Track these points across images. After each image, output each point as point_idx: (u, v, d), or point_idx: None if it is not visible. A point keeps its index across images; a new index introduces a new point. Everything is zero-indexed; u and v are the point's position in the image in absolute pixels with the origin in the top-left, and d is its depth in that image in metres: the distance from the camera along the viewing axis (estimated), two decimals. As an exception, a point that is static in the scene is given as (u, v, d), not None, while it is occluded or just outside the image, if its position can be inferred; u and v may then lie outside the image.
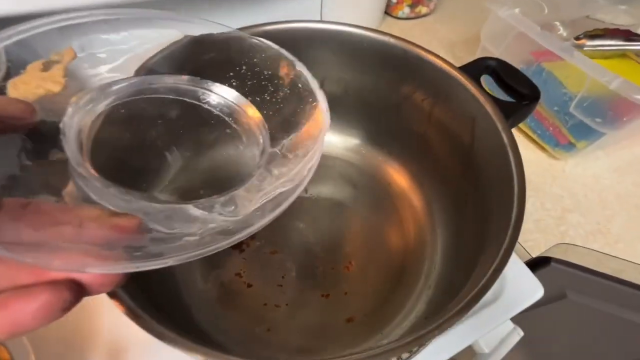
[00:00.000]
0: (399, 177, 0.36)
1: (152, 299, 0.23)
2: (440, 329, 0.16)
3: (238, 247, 0.34)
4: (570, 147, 0.41)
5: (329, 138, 0.38)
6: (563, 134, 0.41)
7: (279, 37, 0.31)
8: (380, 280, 0.32)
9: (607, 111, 0.35)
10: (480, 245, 0.23)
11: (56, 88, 0.31)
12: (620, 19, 0.59)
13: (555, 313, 0.49)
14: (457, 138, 0.28)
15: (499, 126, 0.23)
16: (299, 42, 0.32)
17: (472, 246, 0.26)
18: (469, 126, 0.26)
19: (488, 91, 0.25)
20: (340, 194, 0.37)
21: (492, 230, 0.22)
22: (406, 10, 0.60)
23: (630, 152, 0.46)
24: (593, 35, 0.49)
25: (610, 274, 0.38)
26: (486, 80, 0.28)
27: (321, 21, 0.32)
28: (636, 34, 0.48)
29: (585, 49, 0.46)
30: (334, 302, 0.31)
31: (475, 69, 0.27)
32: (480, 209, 0.25)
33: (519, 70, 0.27)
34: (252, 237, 0.34)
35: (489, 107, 0.24)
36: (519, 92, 0.26)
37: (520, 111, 0.24)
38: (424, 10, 0.61)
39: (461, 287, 0.25)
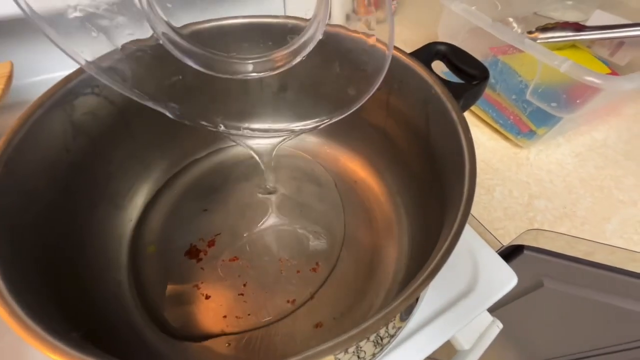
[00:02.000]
0: (362, 171, 0.35)
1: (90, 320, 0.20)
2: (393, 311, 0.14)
3: (195, 255, 0.31)
4: (531, 134, 0.42)
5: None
6: (523, 122, 0.41)
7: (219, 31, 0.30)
8: (350, 279, 0.30)
9: (561, 95, 0.36)
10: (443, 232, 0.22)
11: None
12: (568, 15, 0.62)
13: (534, 303, 0.48)
14: (415, 126, 0.28)
15: (449, 106, 0.22)
16: (242, 35, 0.31)
17: (437, 235, 0.24)
18: (424, 112, 0.25)
19: (440, 75, 0.25)
20: (304, 193, 0.36)
21: (452, 214, 0.21)
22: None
23: (589, 137, 0.47)
24: (545, 28, 0.51)
25: (582, 257, 0.37)
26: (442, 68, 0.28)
27: (269, 15, 0.31)
28: (584, 26, 0.50)
29: (538, 41, 0.47)
30: (301, 308, 0.29)
31: (425, 54, 0.27)
32: (441, 197, 0.24)
33: (467, 52, 0.26)
34: (210, 244, 0.32)
35: (438, 89, 0.23)
36: (469, 73, 0.25)
37: (470, 91, 0.24)
38: (381, 15, 0.62)
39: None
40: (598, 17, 0.55)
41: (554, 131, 0.43)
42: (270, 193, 0.35)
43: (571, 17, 0.60)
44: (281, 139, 0.27)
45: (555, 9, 0.62)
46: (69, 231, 0.24)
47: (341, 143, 0.37)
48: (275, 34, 0.29)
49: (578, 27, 0.50)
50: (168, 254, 0.31)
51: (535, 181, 0.41)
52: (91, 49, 0.18)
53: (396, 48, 0.27)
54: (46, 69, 0.45)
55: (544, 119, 0.40)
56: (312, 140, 0.38)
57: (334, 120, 0.24)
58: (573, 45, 0.52)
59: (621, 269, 0.37)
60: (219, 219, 0.34)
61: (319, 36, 0.23)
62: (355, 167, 0.36)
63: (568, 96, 0.35)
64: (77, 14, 0.17)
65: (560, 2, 0.62)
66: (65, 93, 0.23)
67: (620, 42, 0.53)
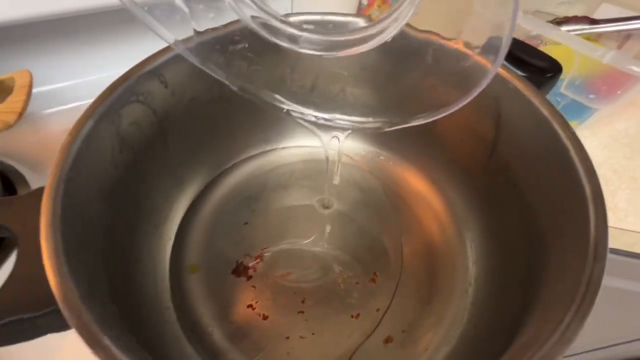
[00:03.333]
0: (411, 177, 0.34)
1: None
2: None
3: (244, 273, 0.29)
4: (563, 127, 0.41)
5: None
6: (556, 116, 0.41)
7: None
8: (412, 289, 0.28)
9: (601, 87, 0.35)
10: (532, 249, 0.20)
11: (11, 119, 0.25)
12: (573, 10, 0.63)
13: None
14: (476, 126, 0.26)
15: (536, 101, 0.21)
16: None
17: (516, 248, 0.23)
18: (493, 111, 0.24)
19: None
20: (349, 201, 0.34)
21: (545, 226, 0.19)
22: (376, 13, 0.60)
23: (612, 128, 0.47)
24: (559, 22, 0.52)
25: (624, 249, 0.37)
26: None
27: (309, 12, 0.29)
28: (597, 20, 0.51)
29: (556, 34, 0.47)
30: (367, 322, 0.27)
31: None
32: (516, 205, 0.23)
33: (532, 45, 0.25)
34: (258, 259, 0.30)
35: (517, 83, 0.22)
36: (538, 66, 0.24)
37: (547, 84, 0.23)
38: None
39: (509, 287, 0.23)
40: (604, 11, 0.56)
41: (582, 124, 0.43)
42: (326, 207, 0.32)
43: (577, 11, 0.61)
44: (346, 132, 0.25)
45: (562, 3, 0.62)
46: (116, 257, 0.22)
47: (394, 151, 0.35)
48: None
49: (592, 21, 0.51)
50: (213, 274, 0.29)
51: (570, 174, 0.41)
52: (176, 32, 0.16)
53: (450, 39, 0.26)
54: (62, 77, 0.43)
55: (578, 113, 0.40)
56: (364, 148, 0.36)
57: (402, 126, 0.22)
58: (587, 38, 0.53)
59: (662, 258, 0.38)
60: (263, 232, 0.32)
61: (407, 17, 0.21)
62: (402, 171, 0.34)
63: (609, 87, 0.35)
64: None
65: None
66: (112, 102, 0.21)
67: (628, 35, 0.54)
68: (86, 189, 0.18)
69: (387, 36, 0.22)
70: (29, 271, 0.14)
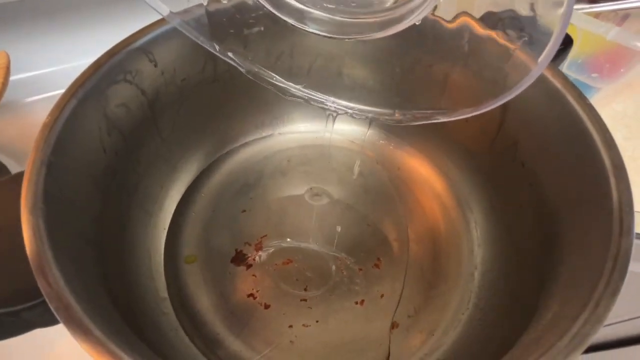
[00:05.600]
0: (413, 161, 0.33)
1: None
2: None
3: (243, 262, 0.28)
4: (564, 108, 0.41)
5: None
6: (557, 96, 0.40)
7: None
8: (416, 274, 0.28)
9: (604, 64, 0.35)
10: (544, 227, 0.19)
11: None
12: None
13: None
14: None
15: (547, 74, 0.20)
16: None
17: (526, 228, 0.22)
18: (500, 84, 0.23)
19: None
20: (350, 187, 0.33)
21: (559, 202, 0.19)
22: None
23: (610, 109, 0.47)
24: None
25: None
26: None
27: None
28: (595, -2, 0.50)
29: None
30: (372, 309, 0.26)
31: (489, 22, 0.25)
32: (525, 182, 0.22)
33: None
34: (257, 247, 0.29)
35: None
36: (546, 40, 0.23)
37: (558, 57, 0.22)
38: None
39: (519, 268, 0.22)
40: (602, -10, 0.55)
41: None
42: (325, 194, 0.31)
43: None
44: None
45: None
46: (108, 246, 0.21)
47: (395, 134, 0.34)
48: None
49: (591, 0, 0.50)
50: (212, 263, 0.28)
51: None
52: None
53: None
54: (43, 62, 0.40)
55: (579, 92, 0.39)
56: (365, 132, 0.35)
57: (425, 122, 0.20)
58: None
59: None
60: (262, 220, 0.30)
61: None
62: (403, 154, 0.34)
63: (612, 65, 0.34)
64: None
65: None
66: (97, 80, 0.19)
67: (626, 14, 0.53)
68: (72, 173, 0.17)
69: (417, 18, 0.20)
70: (11, 262, 0.13)
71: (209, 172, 0.33)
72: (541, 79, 0.20)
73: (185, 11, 0.16)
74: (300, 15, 0.19)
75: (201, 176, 0.32)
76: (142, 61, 0.22)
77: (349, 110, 0.22)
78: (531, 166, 0.22)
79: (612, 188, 0.15)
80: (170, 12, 0.16)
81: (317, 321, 0.25)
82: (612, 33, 0.32)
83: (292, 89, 0.21)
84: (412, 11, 0.19)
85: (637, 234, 0.38)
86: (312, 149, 0.35)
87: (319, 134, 0.35)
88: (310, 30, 0.19)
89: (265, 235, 0.29)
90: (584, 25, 0.33)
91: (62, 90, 0.43)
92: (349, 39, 0.20)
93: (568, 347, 0.11)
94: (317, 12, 0.18)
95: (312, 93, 0.22)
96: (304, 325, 0.25)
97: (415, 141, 0.33)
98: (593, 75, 0.36)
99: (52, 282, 0.11)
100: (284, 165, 0.34)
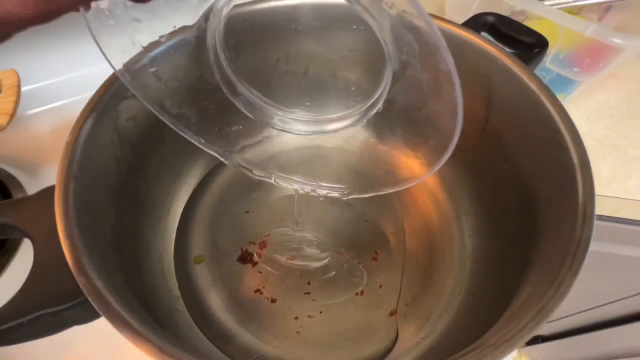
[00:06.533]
0: (406, 159, 0.34)
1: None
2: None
3: (249, 260, 0.30)
4: (548, 101, 0.43)
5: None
6: (541, 90, 0.42)
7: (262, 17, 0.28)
8: (412, 265, 0.30)
9: (584, 59, 0.36)
10: (526, 217, 0.21)
11: (3, 121, 0.24)
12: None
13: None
14: (468, 102, 0.27)
15: (524, 76, 0.22)
16: (281, 20, 0.29)
17: (511, 218, 0.24)
18: (484, 88, 0.25)
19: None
20: (346, 184, 0.35)
21: (538, 190, 0.20)
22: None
23: (594, 100, 0.49)
24: (541, -4, 0.52)
25: (607, 214, 0.39)
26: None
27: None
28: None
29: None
30: (371, 298, 0.28)
31: (473, 26, 0.26)
32: (509, 176, 0.24)
33: (518, 21, 0.26)
34: (262, 245, 0.30)
35: (507, 60, 0.23)
36: (525, 42, 0.25)
37: (535, 59, 0.24)
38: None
39: (505, 255, 0.24)
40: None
41: (567, 98, 0.45)
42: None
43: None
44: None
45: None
46: (126, 250, 0.22)
47: (387, 134, 0.35)
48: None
49: (574, -6, 0.52)
50: (219, 262, 0.30)
51: (556, 147, 0.42)
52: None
53: (441, 18, 0.26)
54: (44, 75, 0.42)
55: (563, 86, 0.41)
56: (359, 133, 0.37)
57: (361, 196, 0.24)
58: (569, 11, 0.53)
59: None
60: (265, 219, 0.32)
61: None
62: (396, 152, 0.35)
63: (591, 60, 0.36)
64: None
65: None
66: (109, 98, 0.20)
67: (608, 7, 0.55)
68: (92, 185, 0.18)
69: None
70: (49, 267, 0.14)
71: (212, 176, 0.34)
72: (518, 82, 0.22)
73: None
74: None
75: (204, 181, 0.34)
76: (147, 77, 0.23)
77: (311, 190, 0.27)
78: (513, 160, 0.23)
79: (578, 182, 0.17)
80: (122, 66, 0.17)
81: (320, 312, 0.27)
82: (590, 30, 0.33)
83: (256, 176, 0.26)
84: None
85: (603, 216, 0.40)
86: (310, 150, 0.37)
87: (315, 135, 0.37)
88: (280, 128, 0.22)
89: (269, 234, 0.31)
90: (564, 22, 0.35)
91: (64, 102, 0.44)
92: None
93: (535, 320, 0.13)
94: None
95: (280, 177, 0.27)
96: (309, 316, 0.27)
97: (407, 140, 0.35)
98: (574, 69, 0.37)
99: (92, 283, 0.13)
100: (284, 166, 0.36)
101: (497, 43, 0.24)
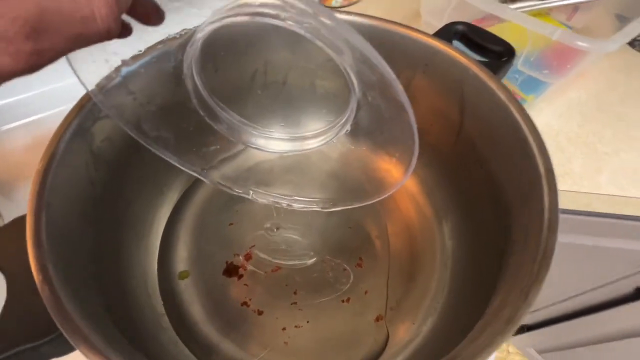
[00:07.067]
0: (386, 163, 0.35)
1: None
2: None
3: (234, 273, 0.30)
4: (522, 102, 0.44)
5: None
6: (515, 92, 0.43)
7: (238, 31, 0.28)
8: (396, 269, 0.30)
9: (552, 62, 0.38)
10: (501, 222, 0.22)
11: None
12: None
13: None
14: (444, 112, 0.28)
15: (493, 85, 0.22)
16: (257, 34, 0.29)
17: (487, 223, 0.25)
18: (457, 96, 0.25)
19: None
20: (328, 192, 0.35)
21: (510, 196, 0.21)
22: (339, 1, 0.60)
23: (565, 97, 0.51)
24: (512, -1, 0.54)
25: (581, 209, 0.41)
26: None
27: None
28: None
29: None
30: (357, 305, 0.28)
31: (445, 35, 0.27)
32: (483, 181, 0.25)
33: (488, 31, 0.27)
34: (247, 257, 0.31)
35: (476, 69, 0.23)
36: (494, 50, 0.26)
37: (503, 68, 0.25)
38: (356, -5, 0.61)
39: (483, 258, 0.25)
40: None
41: (539, 97, 0.46)
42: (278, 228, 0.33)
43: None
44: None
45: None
46: (107, 274, 0.22)
47: (367, 139, 0.36)
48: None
49: (543, -4, 0.54)
50: (204, 277, 0.30)
51: (531, 145, 0.44)
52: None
53: (416, 29, 0.27)
54: (15, 89, 0.40)
55: (534, 87, 0.42)
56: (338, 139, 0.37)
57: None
58: (538, 13, 0.55)
59: (613, 214, 0.42)
60: (249, 230, 0.32)
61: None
62: (377, 158, 0.36)
63: (559, 62, 0.37)
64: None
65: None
66: (82, 120, 0.20)
67: (576, 7, 0.57)
68: (66, 211, 0.18)
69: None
70: (24, 302, 0.14)
71: (193, 190, 0.34)
72: (488, 91, 0.23)
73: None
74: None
75: (186, 195, 0.33)
76: (121, 96, 0.23)
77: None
78: (487, 167, 0.24)
79: (544, 191, 0.17)
80: (95, 87, 0.17)
81: (307, 321, 0.28)
82: (556, 34, 0.35)
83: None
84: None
85: (576, 210, 0.42)
86: (292, 159, 0.37)
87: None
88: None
89: (253, 245, 0.31)
90: (531, 27, 0.36)
91: (39, 116, 0.42)
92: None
93: (505, 331, 0.13)
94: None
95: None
96: (296, 326, 0.27)
97: (387, 145, 0.35)
98: (544, 71, 0.39)
99: (68, 318, 0.13)
100: (267, 176, 0.36)
101: (468, 52, 0.25)
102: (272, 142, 0.29)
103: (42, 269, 0.14)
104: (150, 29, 0.20)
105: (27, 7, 0.11)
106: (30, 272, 0.14)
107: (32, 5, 0.11)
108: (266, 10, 0.18)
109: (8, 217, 0.31)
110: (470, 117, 0.26)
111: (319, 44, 0.16)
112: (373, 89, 0.17)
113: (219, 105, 0.24)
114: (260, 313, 0.28)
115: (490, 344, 0.13)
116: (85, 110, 0.20)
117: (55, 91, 0.42)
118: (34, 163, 0.44)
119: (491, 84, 0.22)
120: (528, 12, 0.52)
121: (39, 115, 0.42)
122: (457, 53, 0.24)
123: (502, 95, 0.22)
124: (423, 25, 0.49)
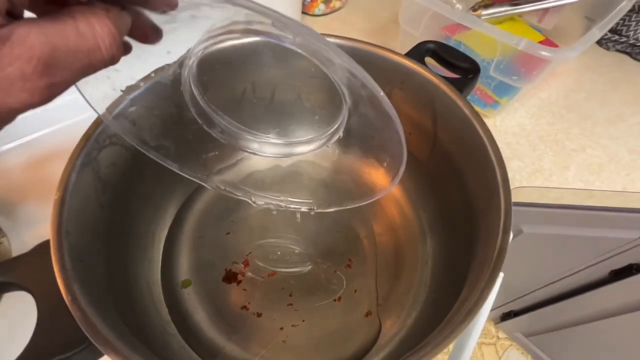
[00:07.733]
0: (370, 170, 0.38)
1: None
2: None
3: (234, 279, 0.32)
4: (496, 104, 0.47)
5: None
6: (489, 95, 0.47)
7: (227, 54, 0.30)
8: (382, 266, 0.33)
9: (520, 69, 0.41)
10: (470, 224, 0.25)
11: None
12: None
13: (514, 248, 0.56)
14: (421, 125, 0.30)
15: (459, 102, 0.25)
16: (244, 54, 0.31)
17: (459, 225, 0.28)
18: (430, 111, 0.28)
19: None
20: (317, 198, 0.38)
21: (478, 201, 0.24)
22: (322, 7, 0.62)
23: (537, 98, 0.54)
24: (486, 5, 0.57)
25: (553, 202, 0.44)
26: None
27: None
28: (517, 2, 0.57)
29: (482, 17, 0.53)
30: (348, 303, 0.31)
31: (418, 54, 0.30)
32: (457, 186, 0.28)
33: (456, 48, 0.29)
34: (245, 264, 0.33)
35: (445, 87, 0.26)
36: (461, 67, 0.29)
37: (469, 84, 0.27)
38: (337, 4, 0.63)
39: (456, 256, 0.28)
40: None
41: (512, 99, 0.50)
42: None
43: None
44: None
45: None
46: (118, 287, 0.24)
47: (353, 148, 0.38)
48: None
49: (514, 2, 0.57)
50: (206, 285, 0.32)
51: (505, 145, 0.47)
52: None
53: (391, 51, 0.30)
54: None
55: (506, 91, 0.45)
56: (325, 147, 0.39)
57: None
58: (511, 17, 0.58)
59: (582, 206, 0.45)
60: (245, 239, 0.34)
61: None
62: (362, 165, 0.38)
63: (526, 69, 0.41)
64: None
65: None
66: (89, 150, 0.22)
67: (545, 10, 0.61)
68: (83, 236, 0.20)
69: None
70: (53, 319, 0.16)
71: (190, 204, 0.36)
72: (455, 107, 0.26)
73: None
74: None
75: (183, 208, 0.36)
76: (122, 123, 0.25)
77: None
78: (460, 175, 0.27)
79: (501, 197, 0.20)
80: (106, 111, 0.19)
81: (303, 320, 0.30)
82: (522, 44, 0.38)
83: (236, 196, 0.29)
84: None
85: (548, 204, 0.45)
86: (282, 169, 0.39)
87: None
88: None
89: (250, 253, 0.34)
90: (499, 37, 0.39)
91: (36, 135, 0.44)
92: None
93: (464, 321, 0.16)
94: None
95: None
96: (292, 325, 0.30)
97: (370, 153, 0.38)
98: (514, 77, 0.42)
99: (96, 331, 0.15)
100: (260, 187, 0.38)
101: (438, 71, 0.27)
102: (266, 146, 0.31)
103: (70, 290, 0.16)
104: (148, 46, 0.22)
105: (40, 47, 0.12)
106: (56, 292, 0.16)
107: (44, 44, 0.12)
108: (257, 28, 0.20)
109: (10, 235, 0.33)
110: (443, 130, 0.28)
111: (311, 58, 0.18)
112: (362, 99, 0.19)
113: (216, 112, 0.25)
114: (259, 315, 0.30)
115: (452, 333, 0.16)
116: (92, 140, 0.22)
117: (49, 112, 0.43)
118: (33, 182, 0.45)
119: (458, 101, 0.25)
120: (501, 17, 0.55)
121: (36, 135, 0.43)
122: (429, 73, 0.27)
123: (467, 111, 0.25)
124: (400, 34, 0.51)
